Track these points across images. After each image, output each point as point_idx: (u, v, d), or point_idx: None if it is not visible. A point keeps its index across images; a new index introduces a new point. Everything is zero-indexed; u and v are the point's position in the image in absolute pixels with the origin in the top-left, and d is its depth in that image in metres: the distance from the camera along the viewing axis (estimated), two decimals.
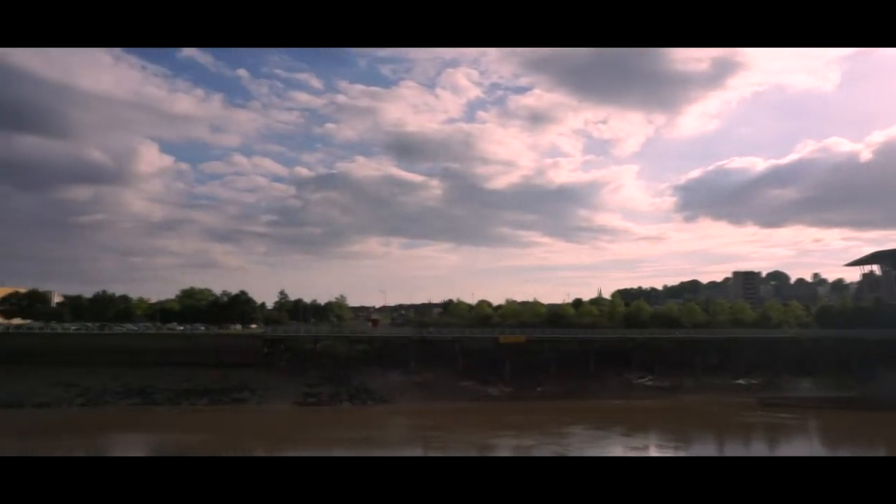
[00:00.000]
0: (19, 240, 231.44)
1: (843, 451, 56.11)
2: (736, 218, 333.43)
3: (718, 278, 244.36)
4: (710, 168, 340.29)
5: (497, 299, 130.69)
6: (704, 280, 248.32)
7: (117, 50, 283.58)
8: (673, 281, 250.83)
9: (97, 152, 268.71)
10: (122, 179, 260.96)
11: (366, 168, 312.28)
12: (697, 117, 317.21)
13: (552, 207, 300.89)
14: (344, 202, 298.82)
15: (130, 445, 58.48)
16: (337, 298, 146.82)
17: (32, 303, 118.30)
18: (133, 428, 63.52)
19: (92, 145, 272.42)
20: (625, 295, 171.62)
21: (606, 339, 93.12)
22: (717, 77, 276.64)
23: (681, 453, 54.32)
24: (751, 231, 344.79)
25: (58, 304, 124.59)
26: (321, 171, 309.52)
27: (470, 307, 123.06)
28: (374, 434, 60.57)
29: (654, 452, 55.45)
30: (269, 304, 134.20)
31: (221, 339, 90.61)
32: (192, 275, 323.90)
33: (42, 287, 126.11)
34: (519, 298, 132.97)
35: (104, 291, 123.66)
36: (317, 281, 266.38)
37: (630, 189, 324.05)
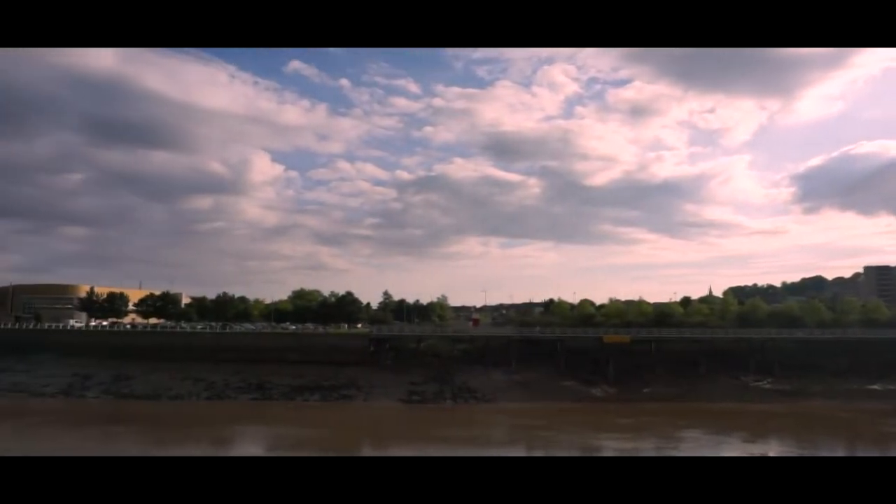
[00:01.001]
0: (152, 246, 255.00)
1: None
2: (866, 208, 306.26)
3: (846, 274, 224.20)
4: (834, 154, 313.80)
5: (600, 298, 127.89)
6: (829, 276, 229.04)
7: (232, 68, 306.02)
8: (793, 277, 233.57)
9: (216, 164, 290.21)
10: (239, 189, 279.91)
11: (464, 169, 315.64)
12: (817, 101, 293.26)
13: (656, 203, 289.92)
14: (443, 204, 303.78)
15: (252, 438, 62.55)
16: (439, 298, 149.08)
17: (165, 304, 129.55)
18: (253, 421, 67.51)
19: (212, 158, 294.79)
20: (738, 293, 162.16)
21: (718, 339, 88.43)
22: (839, 56, 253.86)
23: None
24: (884, 222, 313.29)
25: (186, 305, 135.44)
26: (420, 174, 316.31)
27: (572, 306, 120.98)
28: (481, 433, 61.06)
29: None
30: (374, 305, 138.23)
31: (330, 338, 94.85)
32: (303, 277, 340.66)
33: (173, 289, 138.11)
34: (623, 297, 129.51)
35: (225, 293, 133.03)
36: (419, 281, 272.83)
37: (741, 181, 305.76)
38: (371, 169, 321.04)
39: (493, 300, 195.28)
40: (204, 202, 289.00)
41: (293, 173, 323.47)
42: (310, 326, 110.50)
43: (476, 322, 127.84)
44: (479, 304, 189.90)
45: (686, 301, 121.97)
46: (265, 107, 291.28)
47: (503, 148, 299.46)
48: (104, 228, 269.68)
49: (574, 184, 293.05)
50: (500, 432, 62.80)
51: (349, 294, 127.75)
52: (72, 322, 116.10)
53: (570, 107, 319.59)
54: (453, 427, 63.07)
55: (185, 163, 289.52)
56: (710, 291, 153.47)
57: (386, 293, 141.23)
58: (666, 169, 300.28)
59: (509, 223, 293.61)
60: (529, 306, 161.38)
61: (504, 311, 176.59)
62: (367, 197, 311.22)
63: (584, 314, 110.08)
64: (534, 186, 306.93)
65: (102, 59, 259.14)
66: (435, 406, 73.75)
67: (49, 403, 73.61)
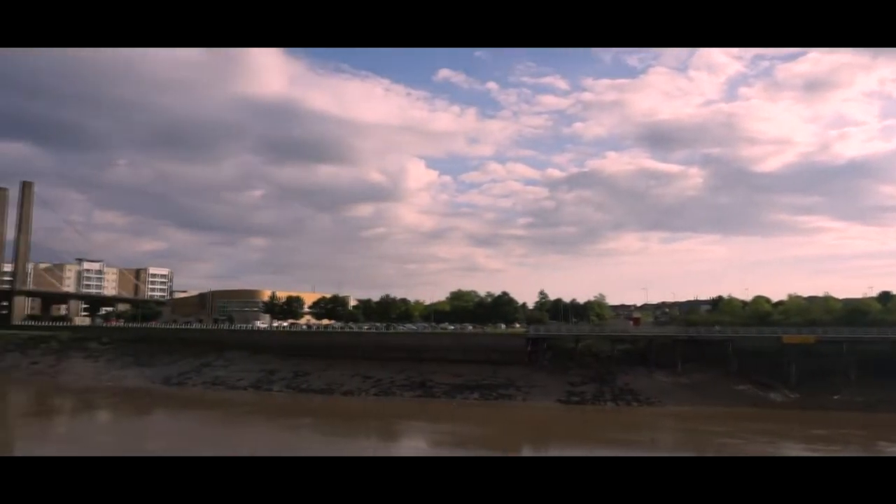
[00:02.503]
0: (323, 253, 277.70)
1: None
2: None
3: None
4: None
5: (776, 294, 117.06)
6: None
7: (386, 81, 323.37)
8: None
9: (376, 174, 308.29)
10: (397, 196, 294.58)
11: (618, 163, 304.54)
12: None
13: (842, 186, 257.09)
14: (597, 200, 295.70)
15: (420, 433, 65.39)
16: (596, 297, 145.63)
17: (335, 306, 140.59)
18: (420, 417, 70.56)
19: (372, 168, 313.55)
20: None
21: None
22: None
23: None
24: None
25: (353, 306, 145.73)
26: (572, 171, 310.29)
27: (744, 303, 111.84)
28: (652, 436, 58.82)
29: None
30: (530, 304, 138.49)
31: (488, 338, 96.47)
32: (459, 278, 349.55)
33: (341, 292, 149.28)
34: (804, 293, 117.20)
35: (387, 295, 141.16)
36: (574, 280, 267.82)
37: None
38: (522, 169, 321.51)
39: (655, 298, 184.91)
40: (366, 210, 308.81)
41: (446, 178, 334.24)
42: (468, 326, 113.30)
43: (636, 321, 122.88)
44: (639, 303, 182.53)
45: (885, 296, 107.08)
46: (418, 116, 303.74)
47: (659, 138, 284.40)
48: (281, 238, 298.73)
49: (741, 171, 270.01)
50: (673, 437, 59.89)
51: (504, 294, 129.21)
52: (258, 323, 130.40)
53: (732, 88, 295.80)
54: (621, 429, 60.96)
55: (348, 174, 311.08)
56: None
57: (542, 293, 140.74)
58: (852, 147, 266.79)
59: (669, 217, 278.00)
60: (695, 304, 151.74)
61: (667, 310, 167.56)
62: (518, 197, 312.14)
63: (759, 312, 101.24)
64: (695, 176, 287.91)
65: (274, 85, 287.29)
66: (594, 407, 71.98)
67: (243, 395, 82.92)
